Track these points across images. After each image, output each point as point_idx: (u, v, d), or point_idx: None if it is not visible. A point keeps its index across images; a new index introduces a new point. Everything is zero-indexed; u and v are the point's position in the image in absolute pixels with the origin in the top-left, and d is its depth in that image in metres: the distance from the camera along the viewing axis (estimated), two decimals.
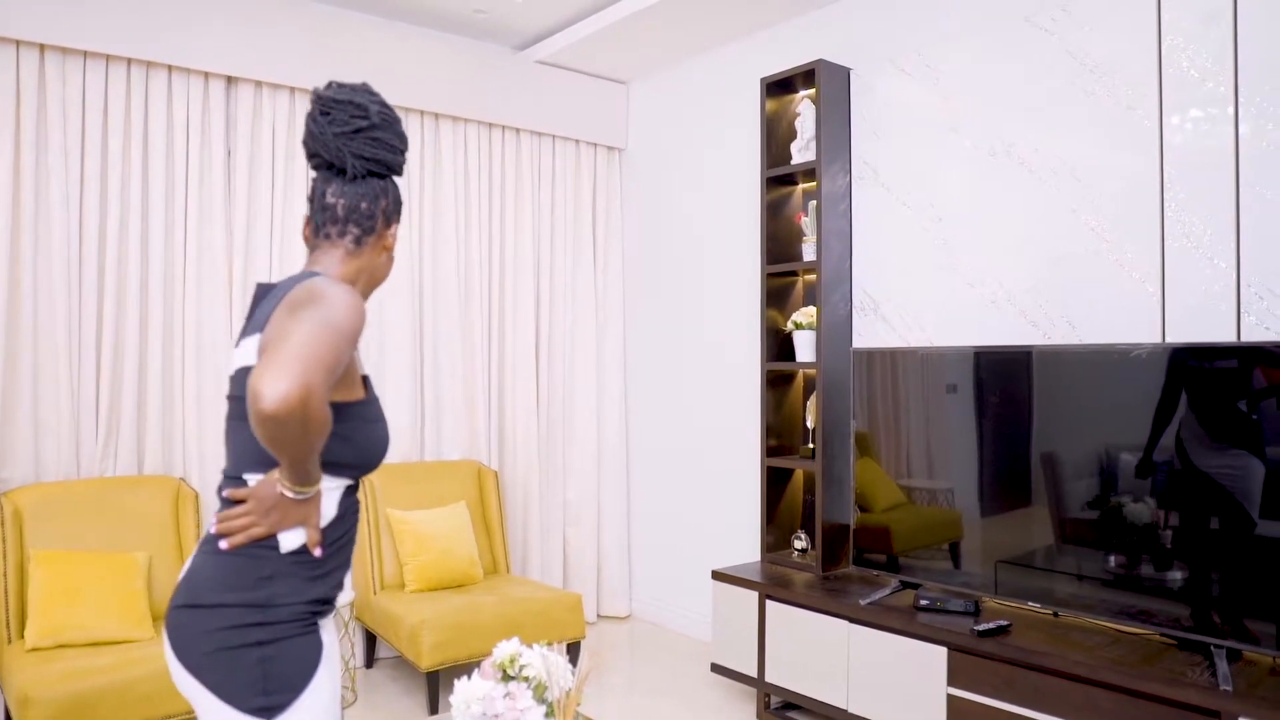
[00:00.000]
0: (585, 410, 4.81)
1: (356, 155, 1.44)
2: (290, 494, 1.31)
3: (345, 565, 1.46)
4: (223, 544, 1.34)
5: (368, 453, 1.42)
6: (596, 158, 4.91)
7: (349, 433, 1.37)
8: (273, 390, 1.14)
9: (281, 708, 1.31)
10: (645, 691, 3.75)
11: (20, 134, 3.33)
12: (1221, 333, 2.63)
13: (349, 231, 1.47)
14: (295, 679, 1.33)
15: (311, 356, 1.19)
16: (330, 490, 1.39)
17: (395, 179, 1.54)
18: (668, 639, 4.47)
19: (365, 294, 1.51)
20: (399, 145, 1.49)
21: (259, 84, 3.82)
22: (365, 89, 1.47)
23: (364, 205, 1.46)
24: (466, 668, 3.39)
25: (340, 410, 1.36)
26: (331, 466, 1.37)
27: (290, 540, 1.34)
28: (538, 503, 4.61)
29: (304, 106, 3.93)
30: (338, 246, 1.47)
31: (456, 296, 4.36)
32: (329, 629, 1.46)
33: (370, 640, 4.01)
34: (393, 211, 1.52)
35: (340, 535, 1.42)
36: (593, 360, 4.83)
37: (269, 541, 1.34)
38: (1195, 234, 2.70)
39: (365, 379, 1.46)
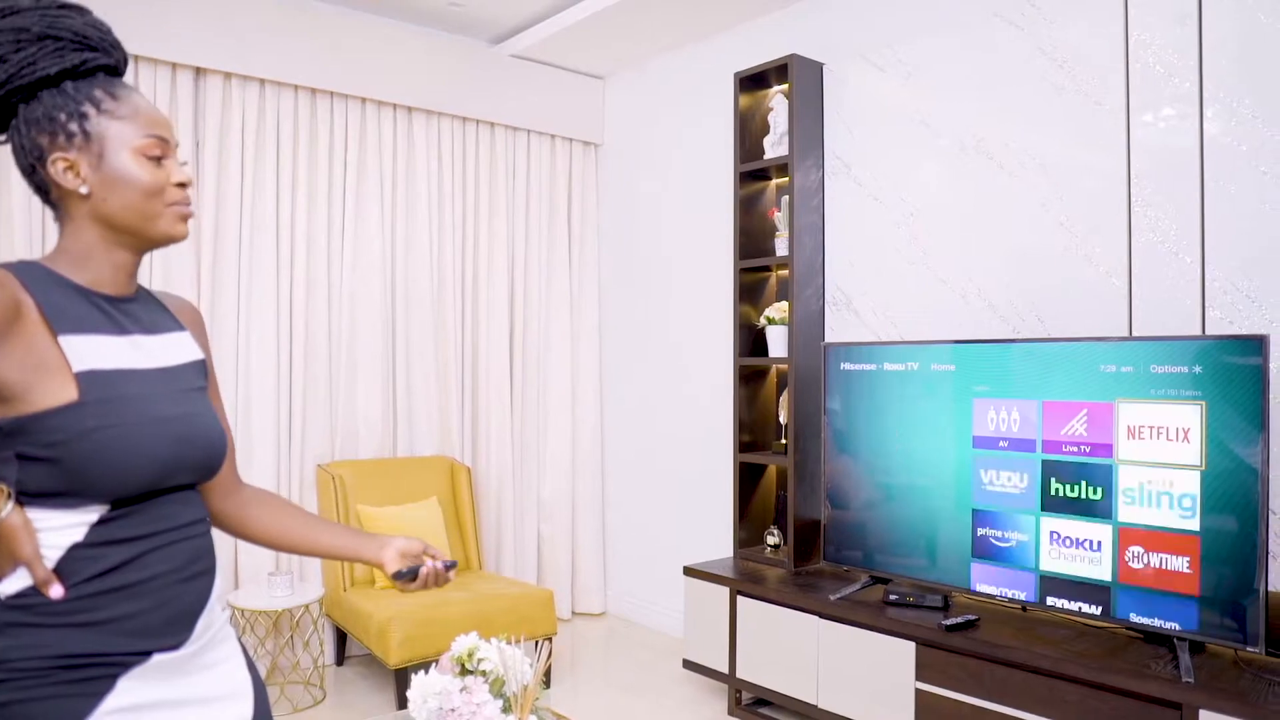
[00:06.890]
0: (559, 406, 4.79)
1: None
2: None
3: (155, 610, 1.09)
4: None
5: (91, 474, 1.04)
6: (572, 153, 4.88)
7: (51, 452, 1.02)
8: None
9: None
10: (618, 688, 3.73)
11: None
12: (1186, 326, 2.64)
13: (46, 200, 1.13)
14: None
15: None
16: (61, 529, 1.05)
17: (36, 93, 1.08)
18: (642, 635, 4.46)
19: (145, 241, 1.14)
20: (23, 37, 1.05)
21: (228, 75, 3.77)
22: None
23: (21, 161, 1.10)
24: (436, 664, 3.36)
25: (26, 426, 1.02)
26: (38, 498, 1.04)
27: (8, 584, 1.05)
28: (511, 499, 4.59)
29: (275, 99, 3.89)
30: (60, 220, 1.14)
31: (429, 291, 4.32)
32: (157, 691, 1.09)
33: (341, 638, 3.98)
34: (38, 134, 1.08)
35: (104, 571, 1.06)
36: (567, 355, 4.81)
37: None
38: (1162, 229, 2.72)
39: (100, 375, 1.07)
